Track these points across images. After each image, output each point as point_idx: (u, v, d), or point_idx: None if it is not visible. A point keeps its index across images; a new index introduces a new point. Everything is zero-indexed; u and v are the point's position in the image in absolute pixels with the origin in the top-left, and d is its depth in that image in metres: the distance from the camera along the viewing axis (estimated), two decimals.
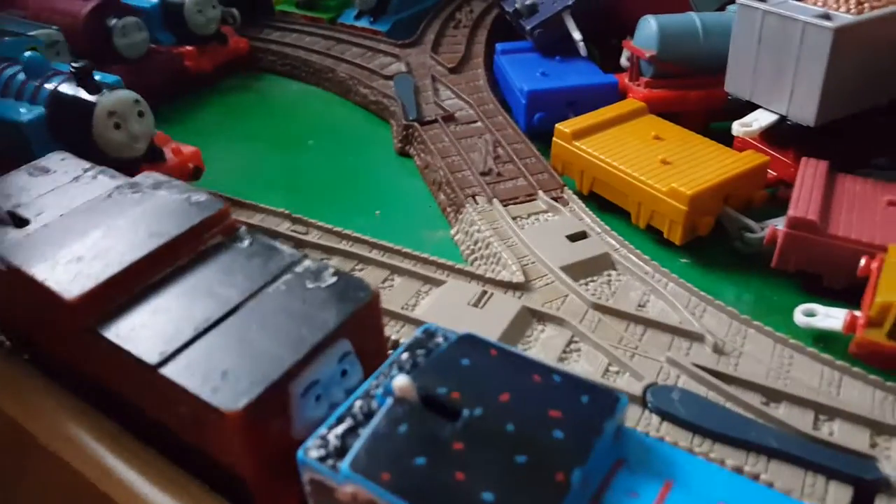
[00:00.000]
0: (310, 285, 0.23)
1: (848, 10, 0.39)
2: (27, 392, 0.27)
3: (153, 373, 0.21)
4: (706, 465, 0.18)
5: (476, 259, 0.39)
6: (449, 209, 0.45)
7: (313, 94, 0.68)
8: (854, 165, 0.40)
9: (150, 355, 0.21)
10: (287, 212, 0.42)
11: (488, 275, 0.36)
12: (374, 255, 0.38)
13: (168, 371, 0.20)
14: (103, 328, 0.22)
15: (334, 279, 0.24)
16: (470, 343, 0.21)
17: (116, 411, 0.26)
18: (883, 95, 0.41)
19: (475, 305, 0.34)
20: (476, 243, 0.40)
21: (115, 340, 0.22)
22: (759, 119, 0.42)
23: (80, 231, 0.26)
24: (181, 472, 0.23)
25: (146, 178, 0.28)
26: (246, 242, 0.26)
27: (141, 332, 0.22)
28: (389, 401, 0.19)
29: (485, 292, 0.35)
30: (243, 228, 0.26)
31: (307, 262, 0.25)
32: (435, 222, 0.46)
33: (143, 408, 0.24)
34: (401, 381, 0.19)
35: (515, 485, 0.16)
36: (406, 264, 0.37)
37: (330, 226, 0.41)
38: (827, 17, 0.39)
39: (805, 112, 0.40)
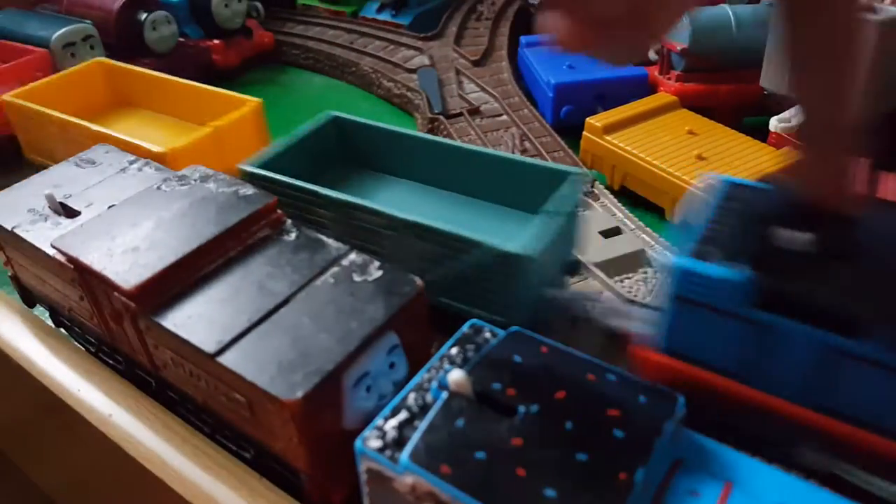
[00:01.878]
0: (357, 278, 0.24)
1: (893, 3, 0.39)
2: (74, 367, 0.28)
3: (210, 361, 0.21)
4: (764, 467, 0.18)
5: None
6: None
7: (336, 88, 0.68)
8: (893, 166, 0.40)
9: (207, 344, 0.21)
10: None
11: None
12: None
13: (226, 360, 0.21)
14: (160, 317, 0.23)
15: (380, 273, 0.24)
16: (519, 339, 0.21)
17: (164, 398, 0.26)
18: None
19: None
20: None
21: (172, 329, 0.22)
22: (798, 114, 0.41)
23: (131, 222, 0.26)
24: (230, 457, 0.24)
25: (193, 171, 0.29)
26: (293, 235, 0.26)
27: (197, 321, 0.22)
28: (444, 395, 0.19)
29: None
30: (289, 222, 0.27)
31: (353, 256, 0.25)
32: None
33: (195, 396, 0.24)
34: (456, 376, 0.19)
35: (578, 482, 0.16)
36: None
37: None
38: (872, 10, 0.38)
39: None
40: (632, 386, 0.19)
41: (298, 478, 0.22)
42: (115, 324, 0.26)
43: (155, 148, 0.37)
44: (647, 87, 0.52)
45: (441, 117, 0.54)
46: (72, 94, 0.48)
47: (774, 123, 0.42)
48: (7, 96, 0.44)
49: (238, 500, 0.22)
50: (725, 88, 0.49)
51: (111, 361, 0.29)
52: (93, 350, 0.30)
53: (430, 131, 0.55)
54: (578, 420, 0.18)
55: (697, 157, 0.41)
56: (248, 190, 0.27)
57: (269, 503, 0.22)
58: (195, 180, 0.28)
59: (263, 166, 0.33)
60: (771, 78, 0.44)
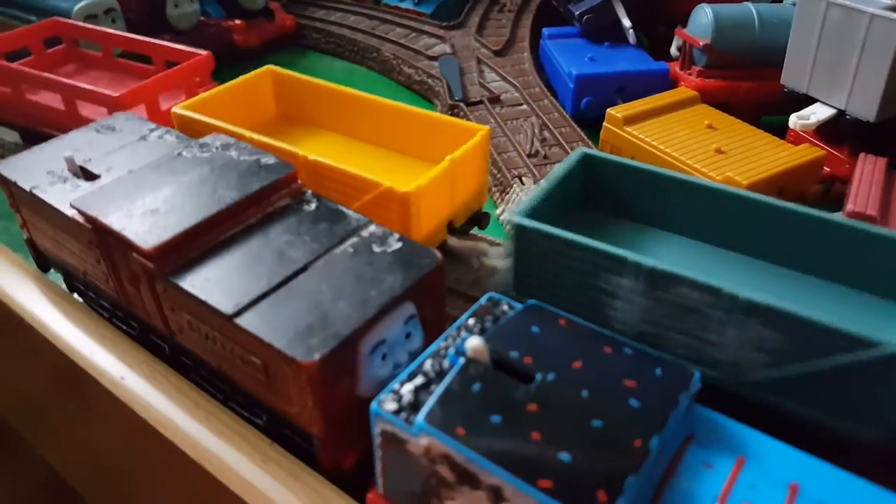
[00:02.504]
0: (376, 249, 0.24)
1: None
2: (87, 331, 0.28)
3: (228, 323, 0.21)
4: (777, 444, 0.18)
5: None
6: (495, 189, 0.45)
7: (357, 73, 0.68)
8: None
9: (225, 306, 0.21)
10: None
11: None
12: None
13: (243, 322, 0.21)
14: (178, 278, 0.23)
15: (400, 244, 0.24)
16: (538, 312, 0.21)
17: (177, 363, 0.26)
18: None
19: None
20: None
21: (190, 290, 0.22)
22: (817, 112, 0.41)
23: (152, 186, 0.26)
24: (243, 423, 0.24)
25: (215, 139, 0.29)
26: (313, 205, 0.26)
27: (214, 284, 0.22)
28: (461, 361, 0.19)
29: None
30: (310, 192, 0.27)
31: (373, 227, 0.25)
32: None
33: (209, 360, 0.24)
34: (474, 342, 0.19)
35: (592, 448, 0.16)
36: (452, 241, 0.37)
37: None
38: (895, 9, 0.38)
39: (866, 107, 0.39)
40: (648, 359, 0.19)
41: (311, 443, 0.22)
42: (131, 287, 0.26)
43: (396, 186, 0.29)
44: (667, 82, 0.52)
45: (461, 104, 0.54)
46: (243, 105, 0.40)
47: (794, 120, 0.42)
48: (177, 108, 0.36)
49: (250, 465, 0.23)
50: (746, 86, 0.49)
51: (125, 327, 0.29)
52: (106, 315, 0.30)
53: None
54: (594, 389, 0.18)
55: (716, 150, 0.40)
56: (270, 159, 0.28)
57: (282, 468, 0.22)
58: (217, 148, 0.28)
59: (533, 216, 0.24)
60: (792, 76, 0.44)
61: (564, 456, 0.16)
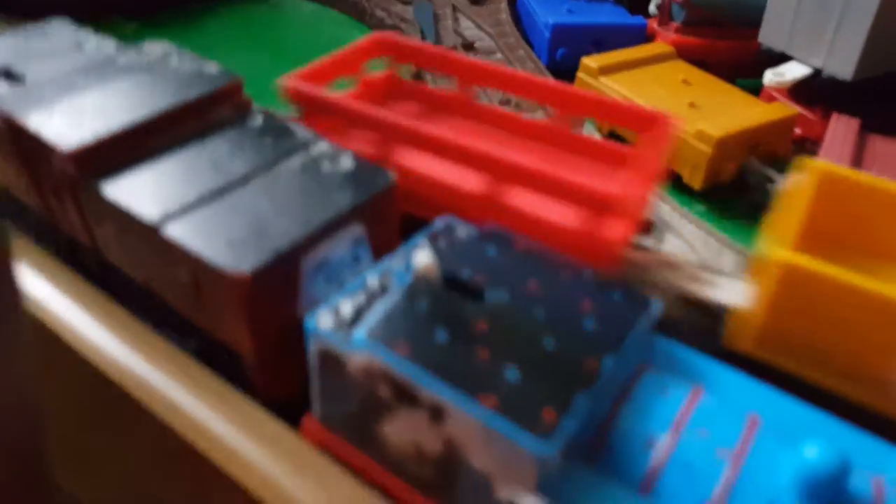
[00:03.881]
0: (325, 167, 0.22)
1: None
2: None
3: (153, 234, 0.19)
4: (738, 375, 0.17)
5: None
6: None
7: (327, 16, 0.65)
8: (883, 129, 0.39)
9: (151, 214, 0.19)
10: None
11: None
12: None
13: (170, 232, 0.19)
14: (102, 185, 0.21)
15: (352, 164, 0.22)
16: (497, 235, 0.20)
17: (105, 282, 0.24)
18: None
19: None
20: None
21: (114, 198, 0.20)
22: (793, 70, 0.40)
23: (80, 88, 0.24)
24: (173, 347, 0.22)
25: (156, 45, 0.27)
26: (259, 120, 0.24)
27: (142, 192, 0.20)
28: (409, 278, 0.17)
29: None
30: (257, 106, 0.25)
31: (324, 145, 0.23)
32: None
33: (136, 277, 0.22)
34: (423, 258, 0.17)
35: (542, 367, 0.15)
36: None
37: None
38: None
39: (844, 65, 0.38)
40: (608, 285, 0.18)
41: (245, 369, 0.20)
42: (54, 199, 0.24)
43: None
44: (644, 38, 0.51)
45: None
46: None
47: (769, 77, 0.41)
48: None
49: (177, 389, 0.21)
50: (723, 44, 0.48)
51: (51, 246, 0.26)
52: (32, 234, 0.27)
53: None
54: (548, 309, 0.16)
55: (690, 104, 0.39)
56: (213, 68, 0.25)
57: (213, 393, 0.20)
58: (157, 55, 0.26)
59: None
60: (770, 34, 0.43)
61: (511, 374, 0.15)
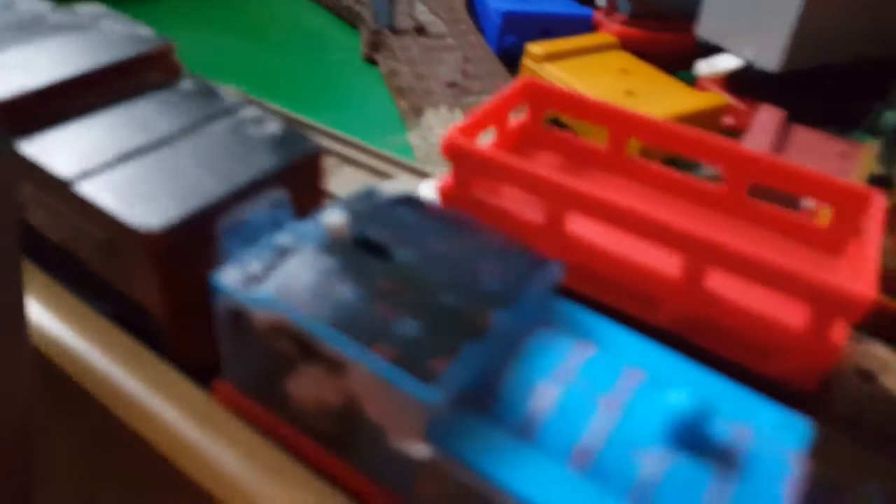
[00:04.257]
0: (251, 131, 0.22)
1: None
2: None
3: (67, 191, 0.19)
4: (629, 334, 0.18)
5: (430, 163, 0.39)
6: (409, 114, 0.44)
7: None
8: (809, 120, 0.41)
9: (66, 171, 0.19)
10: (241, 91, 0.40)
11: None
12: (327, 142, 0.37)
13: (84, 188, 0.19)
14: (20, 142, 0.20)
15: (278, 129, 0.23)
16: (413, 201, 0.20)
17: (24, 244, 0.24)
18: (850, 52, 0.41)
19: None
20: (432, 147, 0.39)
21: (29, 154, 0.20)
22: (725, 62, 0.42)
23: (6, 44, 0.23)
24: (91, 310, 0.22)
25: (89, 7, 0.26)
26: (188, 84, 0.24)
27: (60, 149, 0.20)
28: (319, 237, 0.18)
29: None
30: (187, 71, 0.25)
31: (251, 110, 0.23)
32: (393, 127, 0.44)
33: (54, 238, 0.22)
34: (333, 217, 0.18)
35: (439, 321, 0.16)
36: (357, 155, 0.36)
37: (284, 110, 0.39)
38: None
39: (771, 57, 0.40)
40: (515, 251, 0.18)
41: (158, 329, 0.21)
42: None
43: None
44: (591, 28, 0.52)
45: (386, 32, 0.52)
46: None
47: (702, 66, 0.43)
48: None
49: (91, 350, 0.21)
50: (665, 36, 0.49)
51: None
52: None
53: (373, 44, 0.53)
54: (452, 269, 0.17)
55: (626, 92, 0.41)
56: (145, 31, 0.25)
57: (126, 353, 0.21)
58: (89, 17, 0.26)
59: None
60: (707, 27, 0.44)
61: (408, 328, 0.15)
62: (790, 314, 0.20)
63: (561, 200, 0.22)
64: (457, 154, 0.24)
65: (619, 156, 0.28)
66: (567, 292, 0.19)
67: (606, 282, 0.23)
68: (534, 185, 0.23)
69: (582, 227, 0.23)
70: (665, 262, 0.21)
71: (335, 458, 0.17)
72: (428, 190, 0.27)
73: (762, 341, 0.21)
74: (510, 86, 0.28)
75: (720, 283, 0.21)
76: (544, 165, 0.28)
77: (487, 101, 0.27)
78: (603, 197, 0.21)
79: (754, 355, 0.21)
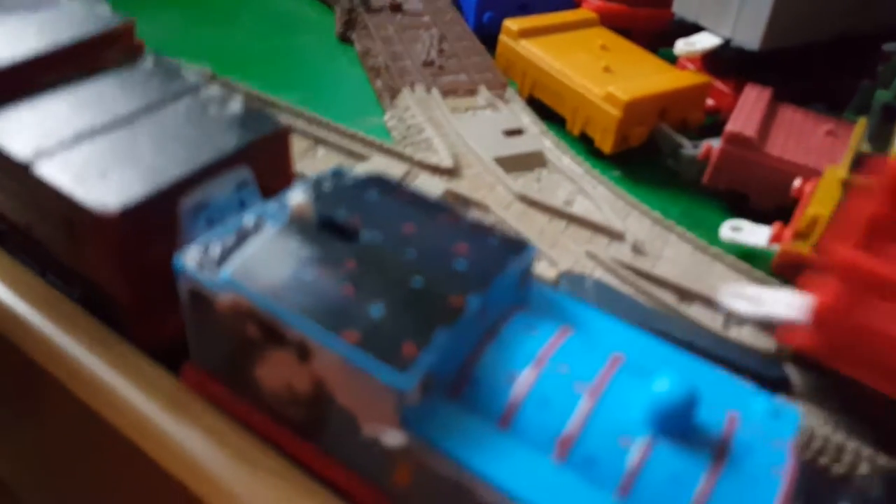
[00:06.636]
0: (213, 110, 0.22)
1: None
2: None
3: (25, 173, 0.19)
4: (607, 318, 0.18)
5: (407, 145, 0.38)
6: (385, 94, 0.43)
7: None
8: (794, 99, 0.41)
9: (23, 153, 0.19)
10: (210, 71, 0.39)
11: (417, 157, 0.35)
12: (300, 123, 0.36)
13: (42, 170, 0.18)
14: None
15: (241, 108, 0.22)
16: (380, 182, 0.20)
17: None
18: (832, 29, 0.41)
19: None
20: (408, 128, 0.38)
21: None
22: (703, 40, 0.41)
23: None
24: (59, 295, 0.22)
25: None
26: (149, 63, 0.23)
27: (17, 131, 0.20)
28: (283, 219, 0.17)
29: (408, 172, 0.33)
30: (150, 50, 0.24)
31: (214, 90, 0.22)
32: (369, 108, 0.44)
33: (17, 222, 0.21)
34: (297, 198, 0.17)
35: (408, 303, 0.15)
36: (331, 137, 0.35)
37: (256, 91, 0.38)
38: None
39: (750, 35, 0.39)
40: (486, 230, 0.18)
41: (120, 314, 0.20)
42: None
43: None
44: (570, 5, 0.51)
45: (360, 9, 0.51)
46: None
47: (680, 46, 0.42)
48: None
49: (57, 333, 0.20)
50: (644, 12, 0.49)
51: None
52: None
53: (347, 23, 0.52)
54: (421, 250, 0.17)
55: (605, 69, 0.40)
56: (106, 11, 0.24)
57: (92, 337, 0.20)
58: None
59: None
60: (682, 4, 0.44)
61: (376, 310, 0.15)
62: None
63: None
64: (850, 273, 0.20)
65: None
66: None
67: None
68: None
69: None
70: None
71: (308, 446, 0.17)
72: (784, 308, 0.23)
73: None
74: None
75: None
76: None
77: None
78: None
79: None
